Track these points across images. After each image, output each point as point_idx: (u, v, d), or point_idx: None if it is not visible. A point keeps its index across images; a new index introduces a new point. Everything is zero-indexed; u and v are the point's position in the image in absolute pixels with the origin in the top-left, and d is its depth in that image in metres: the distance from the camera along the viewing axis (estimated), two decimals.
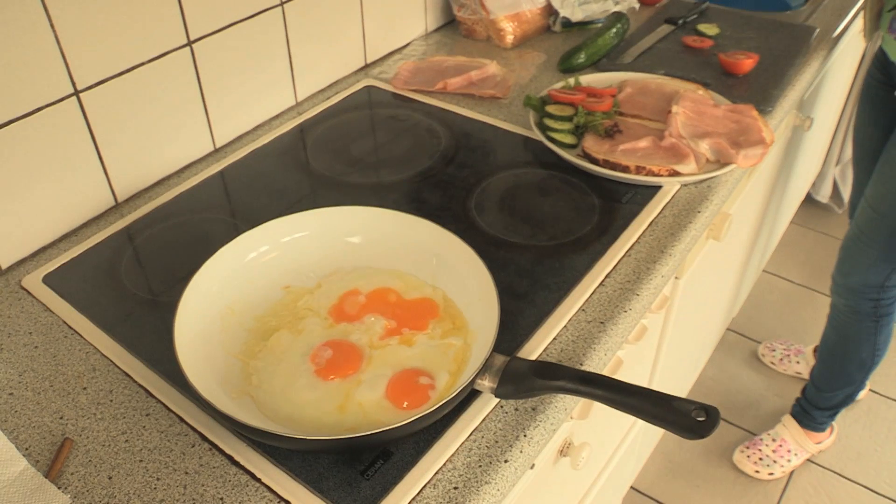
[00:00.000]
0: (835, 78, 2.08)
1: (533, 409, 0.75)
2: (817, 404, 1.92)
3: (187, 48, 1.08)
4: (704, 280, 1.48)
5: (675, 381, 1.76)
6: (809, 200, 2.87)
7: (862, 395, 2.15)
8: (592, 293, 0.89)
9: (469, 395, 0.75)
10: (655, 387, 1.45)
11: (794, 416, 1.99)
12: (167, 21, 1.03)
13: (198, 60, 1.10)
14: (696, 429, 0.66)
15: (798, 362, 2.21)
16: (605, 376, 0.71)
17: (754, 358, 2.29)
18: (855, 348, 1.78)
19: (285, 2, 1.21)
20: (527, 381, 0.71)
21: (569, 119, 1.15)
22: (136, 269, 0.95)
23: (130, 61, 1.01)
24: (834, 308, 1.80)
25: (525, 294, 0.88)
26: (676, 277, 1.23)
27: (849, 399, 1.90)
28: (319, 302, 0.86)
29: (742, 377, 2.23)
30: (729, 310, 2.10)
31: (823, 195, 2.80)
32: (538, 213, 1.02)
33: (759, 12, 1.68)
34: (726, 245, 1.53)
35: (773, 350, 2.26)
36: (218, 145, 1.19)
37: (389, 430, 0.66)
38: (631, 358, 1.13)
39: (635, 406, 0.68)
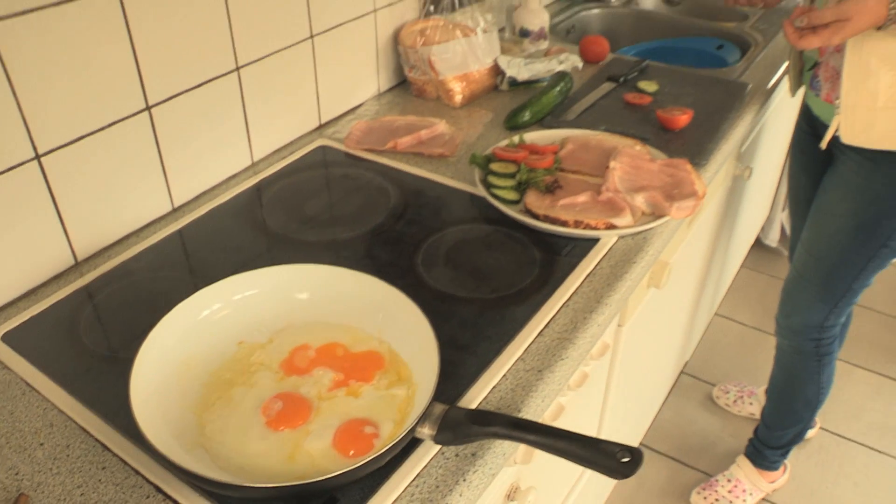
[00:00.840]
0: (775, 128, 2.18)
1: (473, 454, 0.80)
2: (769, 443, 1.98)
3: (146, 112, 1.13)
4: (650, 326, 1.53)
5: (628, 425, 1.81)
6: (759, 245, 2.97)
7: (812, 433, 2.21)
8: (531, 343, 0.94)
9: (412, 443, 0.79)
10: (605, 431, 1.49)
11: (748, 456, 2.04)
12: (127, 87, 1.08)
13: (156, 124, 1.15)
14: (621, 469, 0.71)
15: (751, 403, 2.27)
16: (534, 422, 0.75)
17: (709, 400, 2.35)
18: (801, 387, 1.84)
19: (241, 67, 1.27)
20: (463, 427, 0.76)
21: (511, 176, 1.21)
22: (95, 327, 0.98)
23: (91, 126, 1.05)
24: (779, 349, 1.87)
25: (467, 345, 0.93)
26: (619, 325, 1.29)
27: (798, 437, 1.96)
28: (271, 356, 0.90)
29: (698, 420, 2.29)
30: (681, 353, 2.16)
31: (772, 239, 2.90)
32: (482, 267, 1.07)
33: (698, 69, 1.77)
34: (670, 292, 1.59)
35: (727, 392, 2.32)
36: (176, 205, 1.24)
37: (335, 476, 0.70)
38: (575, 404, 1.17)
39: (564, 449, 0.73)
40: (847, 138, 1.44)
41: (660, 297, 1.49)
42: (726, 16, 2.17)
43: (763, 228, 2.92)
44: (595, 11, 2.23)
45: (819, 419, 2.23)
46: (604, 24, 2.24)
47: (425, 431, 0.77)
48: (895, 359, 2.51)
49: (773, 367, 1.91)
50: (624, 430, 1.76)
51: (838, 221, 1.57)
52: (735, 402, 2.30)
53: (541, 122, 1.48)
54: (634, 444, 2.02)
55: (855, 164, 1.50)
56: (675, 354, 2.07)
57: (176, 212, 1.23)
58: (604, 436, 1.43)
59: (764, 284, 2.78)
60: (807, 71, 1.57)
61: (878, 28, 1.28)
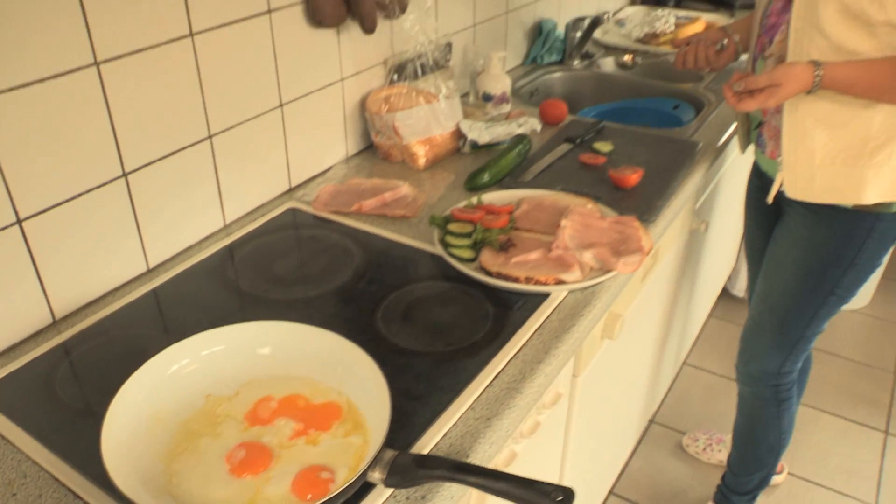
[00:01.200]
0: (733, 183, 2.27)
1: (422, 497, 0.86)
2: (735, 489, 2.03)
3: (123, 179, 1.21)
4: (608, 376, 1.60)
5: (595, 473, 1.86)
6: (727, 295, 3.05)
7: (780, 479, 2.26)
8: (481, 393, 1.01)
9: (367, 487, 0.85)
10: (568, 478, 1.55)
11: (717, 502, 2.09)
12: (104, 156, 1.16)
13: (132, 189, 1.22)
14: None
15: (720, 450, 2.33)
16: (475, 465, 0.82)
17: (679, 449, 2.40)
18: (762, 433, 1.91)
19: (213, 135, 1.35)
20: (411, 471, 0.82)
21: (468, 236, 1.28)
22: (70, 382, 1.04)
23: (70, 192, 1.13)
24: (740, 396, 1.94)
25: (422, 396, 1.00)
26: (574, 375, 1.35)
27: (764, 483, 2.01)
28: (236, 408, 0.96)
29: (668, 468, 2.34)
30: (647, 403, 2.22)
31: (739, 289, 2.99)
32: (438, 322, 1.14)
33: (653, 129, 1.87)
34: (628, 343, 1.66)
35: (697, 440, 2.38)
36: (151, 266, 1.30)
37: None
38: (531, 451, 1.23)
39: (502, 490, 0.79)
40: (790, 193, 1.53)
41: (617, 348, 1.56)
42: (682, 77, 2.28)
43: (730, 279, 3.01)
44: (557, 75, 2.34)
45: (787, 464, 2.29)
46: (566, 87, 2.35)
47: (376, 476, 0.83)
48: (860, 403, 2.58)
49: (736, 414, 1.98)
50: (590, 478, 1.81)
51: (788, 271, 1.65)
52: (704, 449, 2.35)
53: (500, 183, 1.56)
54: (603, 491, 2.07)
55: (801, 217, 1.59)
56: (641, 404, 2.13)
57: (151, 272, 1.30)
58: (567, 482, 1.49)
59: (732, 334, 2.85)
60: (753, 130, 1.67)
61: (808, 92, 1.38)
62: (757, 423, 1.91)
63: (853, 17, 1.34)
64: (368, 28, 1.54)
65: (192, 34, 1.26)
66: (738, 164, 2.23)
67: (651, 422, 2.48)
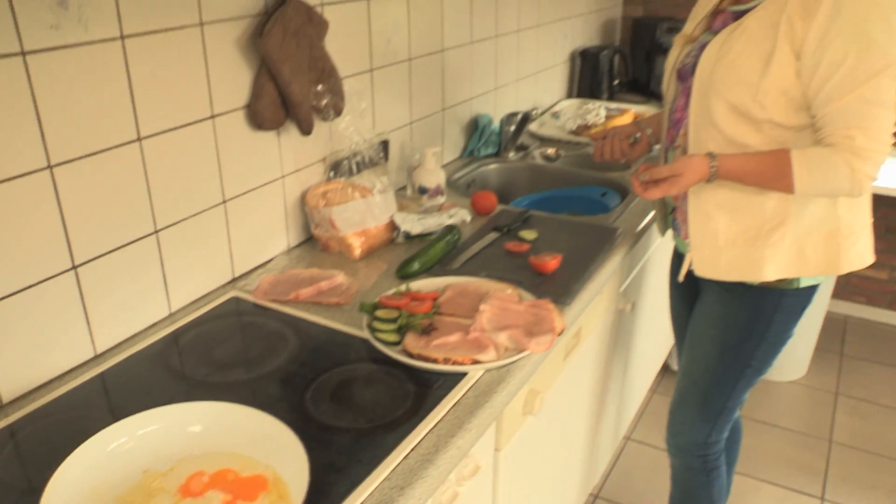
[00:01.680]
0: (663, 264, 2.41)
1: None
2: None
3: (73, 271, 1.31)
4: (536, 450, 1.69)
5: None
6: (670, 371, 3.18)
7: None
8: (397, 465, 1.10)
9: None
10: None
11: None
12: (56, 250, 1.26)
13: (81, 281, 1.32)
14: None
15: None
16: None
17: None
18: (694, 502, 2.00)
19: (159, 230, 1.46)
20: None
21: (393, 321, 1.40)
22: (13, 462, 1.12)
23: (22, 283, 1.22)
24: (672, 467, 2.03)
25: (343, 468, 1.09)
26: (497, 449, 1.45)
27: None
28: (171, 482, 1.05)
29: None
30: (586, 477, 2.30)
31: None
32: (362, 401, 1.24)
33: (577, 216, 2.01)
34: (556, 418, 1.76)
35: None
36: (98, 351, 1.39)
37: None
38: None
39: None
40: (699, 272, 1.68)
41: (543, 424, 1.66)
42: (610, 166, 2.45)
43: (671, 355, 3.13)
44: (493, 166, 2.50)
45: None
46: (502, 178, 2.51)
47: None
48: (798, 472, 2.69)
49: (670, 486, 2.07)
50: None
51: (706, 346, 1.78)
52: None
53: (429, 271, 1.68)
54: None
55: (716, 295, 1.73)
56: (578, 478, 2.21)
57: (98, 358, 1.39)
58: None
59: None
60: (668, 215, 1.82)
61: (707, 181, 1.54)
62: (689, 494, 2.00)
63: (740, 114, 1.51)
64: (305, 130, 1.68)
65: (140, 139, 1.39)
66: (665, 247, 2.38)
67: (595, 497, 2.56)
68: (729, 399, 1.81)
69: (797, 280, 1.63)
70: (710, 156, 1.52)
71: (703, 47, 1.58)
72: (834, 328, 3.62)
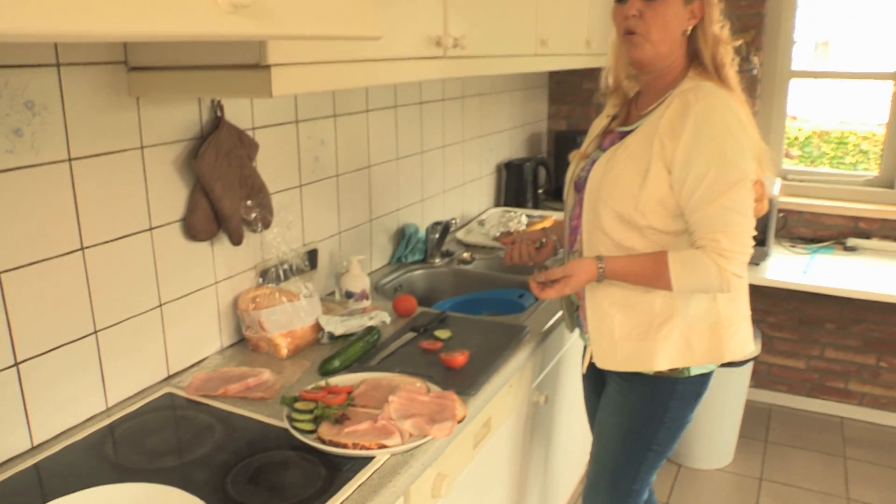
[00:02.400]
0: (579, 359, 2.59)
1: None
2: None
3: (14, 368, 1.44)
4: None
5: None
6: None
7: None
8: None
9: None
10: None
11: None
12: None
13: (22, 376, 1.46)
14: None
15: None
16: None
17: None
18: None
19: (99, 331, 1.61)
20: None
21: (310, 412, 1.54)
22: None
23: None
24: None
25: None
26: None
27: None
28: None
29: None
30: None
31: None
32: (278, 483, 1.38)
33: (488, 316, 2.20)
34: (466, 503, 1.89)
35: None
36: (36, 443, 1.51)
37: None
38: None
39: None
40: (599, 364, 1.87)
41: None
42: (526, 269, 2.65)
43: None
44: (419, 272, 2.69)
45: None
46: (427, 282, 2.70)
47: None
48: None
49: None
50: None
51: (611, 433, 1.95)
52: None
53: (349, 368, 1.83)
54: None
55: (617, 385, 1.91)
56: None
57: (34, 449, 1.50)
58: None
59: None
60: (573, 312, 2.01)
61: (598, 281, 1.74)
62: None
63: (625, 222, 1.73)
64: (236, 241, 1.86)
65: (83, 248, 1.55)
66: (579, 344, 2.56)
67: None
68: (635, 482, 1.96)
69: (688, 369, 1.81)
70: (598, 258, 1.73)
71: (594, 163, 1.81)
72: (759, 416, 3.81)
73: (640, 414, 1.89)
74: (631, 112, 1.87)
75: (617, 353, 1.83)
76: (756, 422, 3.75)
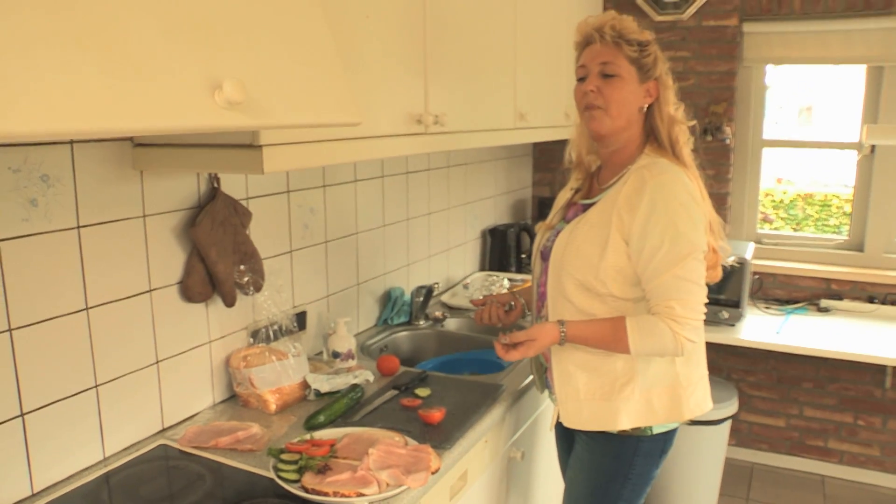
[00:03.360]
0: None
1: None
2: None
3: (20, 419, 1.56)
4: None
5: None
6: None
7: None
8: None
9: None
10: None
11: None
12: (6, 398, 1.53)
13: (27, 426, 1.58)
14: None
15: None
16: None
17: None
18: None
19: (99, 385, 1.73)
20: None
21: (294, 462, 1.66)
22: None
23: None
24: None
25: None
26: None
27: None
28: None
29: None
30: None
31: None
32: None
33: (467, 376, 2.32)
34: None
35: None
36: (35, 490, 1.62)
37: None
38: None
39: None
40: (566, 423, 1.97)
41: None
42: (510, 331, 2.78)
43: None
44: (404, 333, 2.82)
45: None
46: (412, 343, 2.82)
47: None
48: None
49: None
50: None
51: (579, 489, 2.05)
52: None
53: (333, 423, 1.95)
54: None
55: (584, 444, 2.01)
56: None
57: (34, 496, 1.61)
58: None
59: None
60: (543, 375, 2.13)
61: (560, 344, 1.86)
62: None
63: (587, 289, 1.86)
64: (229, 303, 1.99)
65: (87, 308, 1.69)
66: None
67: None
68: None
69: (650, 427, 1.92)
70: (560, 323, 1.85)
71: (558, 233, 1.95)
72: (740, 474, 3.89)
73: (606, 471, 1.98)
74: (593, 185, 2.01)
75: (582, 413, 1.93)
76: (737, 480, 3.83)
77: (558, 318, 1.89)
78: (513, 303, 2.22)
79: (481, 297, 2.33)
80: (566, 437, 2.18)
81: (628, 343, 1.79)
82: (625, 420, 1.88)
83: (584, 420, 1.94)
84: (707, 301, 1.82)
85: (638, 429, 1.91)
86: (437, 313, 2.94)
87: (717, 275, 1.94)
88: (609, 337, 1.82)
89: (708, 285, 1.86)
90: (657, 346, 1.78)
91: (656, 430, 1.93)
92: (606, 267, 1.81)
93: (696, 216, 1.79)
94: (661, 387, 1.89)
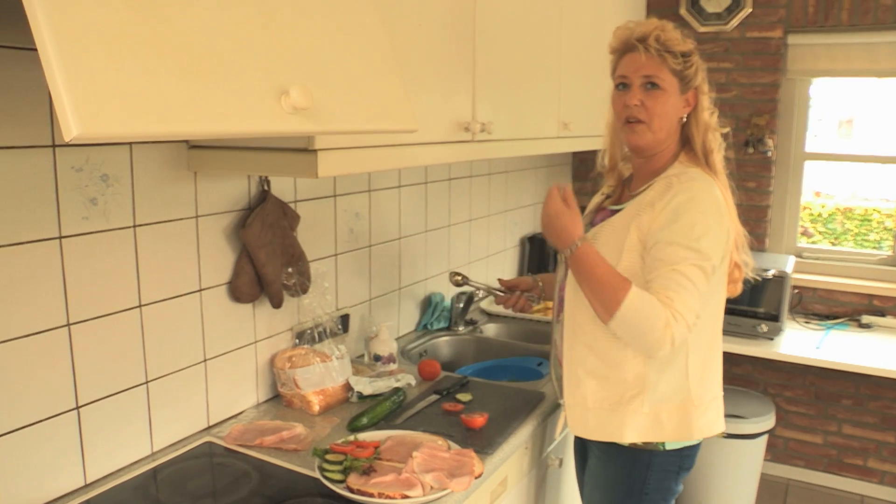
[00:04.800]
0: None
1: None
2: None
3: (75, 411, 1.60)
4: None
5: None
6: None
7: None
8: None
9: None
10: None
11: None
12: (64, 391, 1.57)
13: (82, 419, 1.62)
14: None
15: None
16: None
17: None
18: None
19: (150, 381, 1.77)
20: None
21: (339, 463, 1.68)
22: None
23: (30, 419, 1.52)
24: None
25: None
26: None
27: None
28: None
29: None
30: None
31: None
32: None
33: (508, 382, 2.33)
34: None
35: None
36: (89, 481, 1.66)
37: None
38: None
39: None
40: (572, 430, 1.95)
41: None
42: (549, 339, 2.79)
43: None
44: (444, 338, 2.84)
45: None
46: (451, 348, 2.84)
47: None
48: None
49: None
50: None
51: (592, 502, 2.04)
52: None
53: (376, 425, 1.97)
54: None
55: (597, 458, 1.98)
56: None
57: (87, 486, 1.65)
58: None
59: None
60: (561, 380, 2.11)
61: (568, 253, 1.78)
62: None
63: None
64: (276, 304, 2.02)
65: (140, 305, 1.73)
66: None
67: None
68: None
69: (662, 443, 1.85)
70: (580, 238, 1.78)
71: None
72: (776, 491, 3.85)
73: (619, 486, 1.93)
74: (623, 192, 2.00)
75: (588, 421, 1.89)
76: (773, 496, 3.79)
77: (575, 323, 1.88)
78: (535, 294, 2.25)
79: (509, 280, 2.31)
80: (581, 452, 2.16)
81: (620, 304, 1.68)
82: (631, 433, 1.83)
83: (590, 429, 1.90)
84: (698, 315, 1.74)
85: (649, 443, 1.86)
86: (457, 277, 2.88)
87: (738, 290, 1.92)
88: (610, 285, 1.71)
89: (730, 299, 1.85)
90: (643, 327, 1.68)
91: (669, 447, 1.86)
92: (623, 268, 1.77)
93: (717, 230, 1.76)
94: (672, 403, 1.83)
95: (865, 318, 3.62)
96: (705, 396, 1.86)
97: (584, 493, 2.08)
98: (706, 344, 1.86)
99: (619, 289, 1.69)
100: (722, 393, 1.94)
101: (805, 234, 4.64)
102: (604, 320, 1.74)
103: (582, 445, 2.10)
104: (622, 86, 1.86)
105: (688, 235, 1.71)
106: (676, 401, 1.82)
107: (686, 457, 1.91)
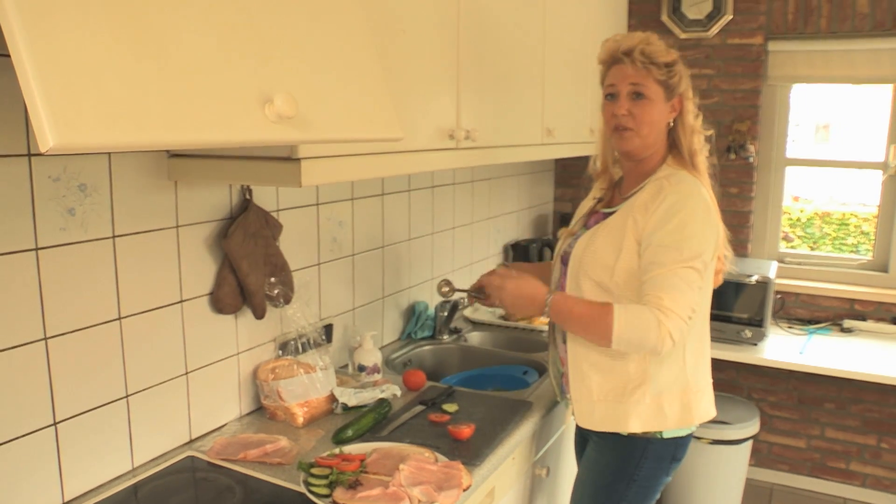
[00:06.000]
0: None
1: None
2: None
3: (52, 427, 1.56)
4: None
5: None
6: None
7: None
8: None
9: None
10: None
11: None
12: (40, 407, 1.53)
13: (59, 435, 1.57)
14: None
15: None
16: None
17: None
18: None
19: (129, 395, 1.73)
20: None
21: (325, 477, 1.65)
22: None
23: (7, 436, 1.47)
24: None
25: None
26: None
27: None
28: None
29: None
30: None
31: None
32: None
33: (494, 391, 2.31)
34: None
35: None
36: (66, 499, 1.61)
37: None
38: None
39: None
40: (579, 422, 2.01)
41: None
42: (533, 347, 2.78)
43: None
44: (428, 347, 2.81)
45: None
46: (435, 358, 2.81)
47: None
48: None
49: None
50: None
51: (585, 488, 2.06)
52: None
53: (361, 437, 1.94)
54: None
55: (594, 444, 2.04)
56: None
57: None
58: None
59: None
60: (560, 379, 2.13)
61: (543, 315, 1.90)
62: None
63: (603, 289, 1.89)
64: (259, 315, 1.99)
65: (120, 318, 1.69)
66: None
67: None
68: None
69: (661, 431, 1.93)
70: (549, 292, 1.89)
71: (578, 239, 1.99)
72: (760, 495, 3.85)
73: (611, 470, 1.99)
74: (615, 195, 2.07)
75: (595, 413, 1.95)
76: (757, 501, 3.79)
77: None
78: None
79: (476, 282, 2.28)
80: (582, 444, 2.21)
81: (612, 328, 1.76)
82: (635, 423, 1.90)
83: (596, 420, 1.96)
84: (695, 310, 1.82)
85: (649, 432, 1.92)
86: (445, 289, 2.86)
87: (719, 280, 2.00)
88: (595, 318, 1.81)
89: (714, 306, 1.93)
90: (639, 336, 1.76)
91: (667, 435, 1.94)
92: (620, 268, 1.86)
93: (707, 229, 1.84)
94: (673, 392, 1.91)
95: (847, 323, 3.64)
96: (700, 383, 1.97)
97: (577, 476, 2.10)
98: (698, 334, 1.96)
99: (605, 315, 1.79)
100: (711, 381, 2.03)
101: (785, 238, 4.66)
102: (605, 346, 1.84)
103: (581, 436, 2.14)
104: (611, 96, 1.95)
105: (679, 236, 1.79)
106: (677, 389, 1.91)
107: (680, 446, 1.98)
